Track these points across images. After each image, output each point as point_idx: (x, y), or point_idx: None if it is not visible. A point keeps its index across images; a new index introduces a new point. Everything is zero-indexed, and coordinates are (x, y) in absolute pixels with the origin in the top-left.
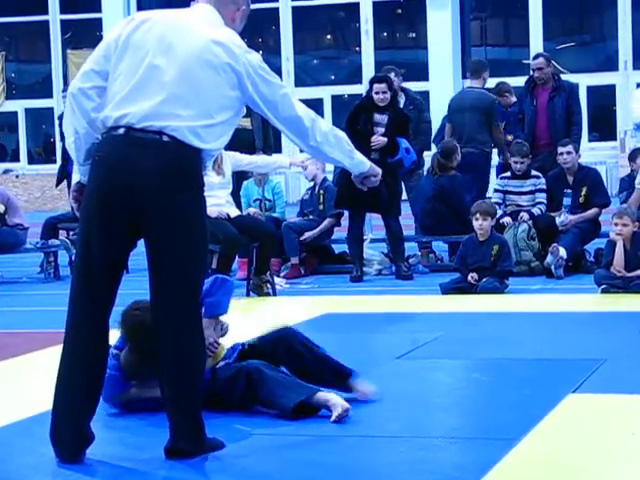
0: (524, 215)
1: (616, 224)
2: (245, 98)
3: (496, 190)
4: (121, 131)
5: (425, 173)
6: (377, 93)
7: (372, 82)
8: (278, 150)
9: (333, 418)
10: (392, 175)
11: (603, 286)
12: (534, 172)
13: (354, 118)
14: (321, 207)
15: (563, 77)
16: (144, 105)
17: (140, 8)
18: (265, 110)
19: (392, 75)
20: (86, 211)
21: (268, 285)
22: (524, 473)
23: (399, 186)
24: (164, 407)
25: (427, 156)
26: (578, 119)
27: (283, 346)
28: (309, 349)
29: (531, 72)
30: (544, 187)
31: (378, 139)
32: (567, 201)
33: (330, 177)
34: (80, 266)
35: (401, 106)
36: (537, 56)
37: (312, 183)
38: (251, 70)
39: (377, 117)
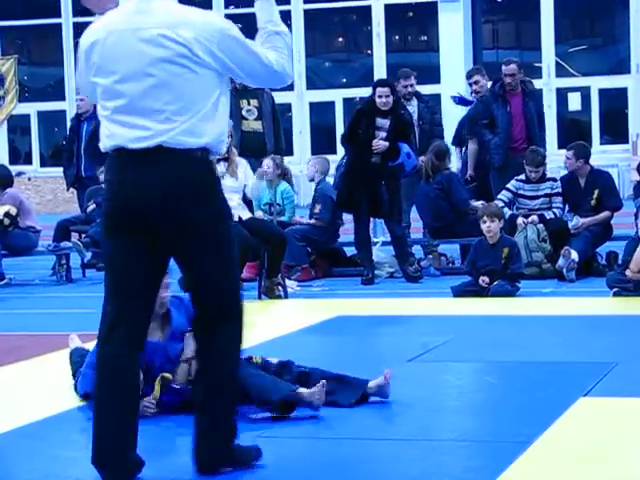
0: (534, 218)
1: None
2: (214, 68)
3: (507, 189)
4: (122, 152)
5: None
6: (380, 97)
7: (375, 86)
8: (289, 153)
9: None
10: (393, 180)
11: (615, 289)
12: (549, 175)
13: (356, 122)
14: (316, 210)
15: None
16: (131, 129)
17: None
18: (234, 68)
19: (412, 78)
20: (105, 231)
21: (280, 288)
22: (536, 476)
23: (400, 191)
24: (195, 413)
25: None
26: (544, 124)
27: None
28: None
29: (505, 78)
30: (560, 191)
31: (379, 143)
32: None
33: (330, 180)
34: (111, 284)
35: (415, 109)
36: (509, 62)
37: (313, 184)
38: (202, 38)
39: (379, 121)
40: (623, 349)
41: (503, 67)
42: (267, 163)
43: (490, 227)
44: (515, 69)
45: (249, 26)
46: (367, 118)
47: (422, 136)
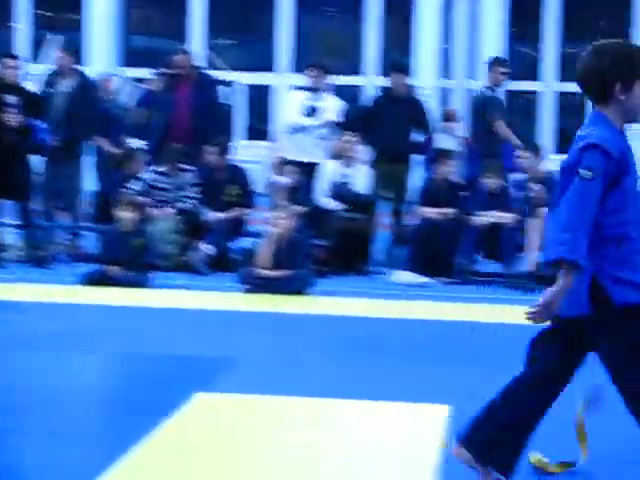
0: (169, 210)
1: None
2: None
3: (143, 181)
4: None
5: None
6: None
7: None
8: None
9: None
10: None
11: (247, 286)
12: (184, 166)
13: None
14: None
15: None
16: None
17: None
18: None
19: None
20: None
21: None
22: (141, 471)
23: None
24: None
25: None
26: (219, 115)
27: None
28: None
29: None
30: (196, 182)
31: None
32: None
33: None
34: None
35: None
36: (178, 51)
37: None
38: None
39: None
40: (245, 345)
41: (175, 57)
42: None
43: (125, 216)
44: (184, 59)
45: None
46: None
47: None
